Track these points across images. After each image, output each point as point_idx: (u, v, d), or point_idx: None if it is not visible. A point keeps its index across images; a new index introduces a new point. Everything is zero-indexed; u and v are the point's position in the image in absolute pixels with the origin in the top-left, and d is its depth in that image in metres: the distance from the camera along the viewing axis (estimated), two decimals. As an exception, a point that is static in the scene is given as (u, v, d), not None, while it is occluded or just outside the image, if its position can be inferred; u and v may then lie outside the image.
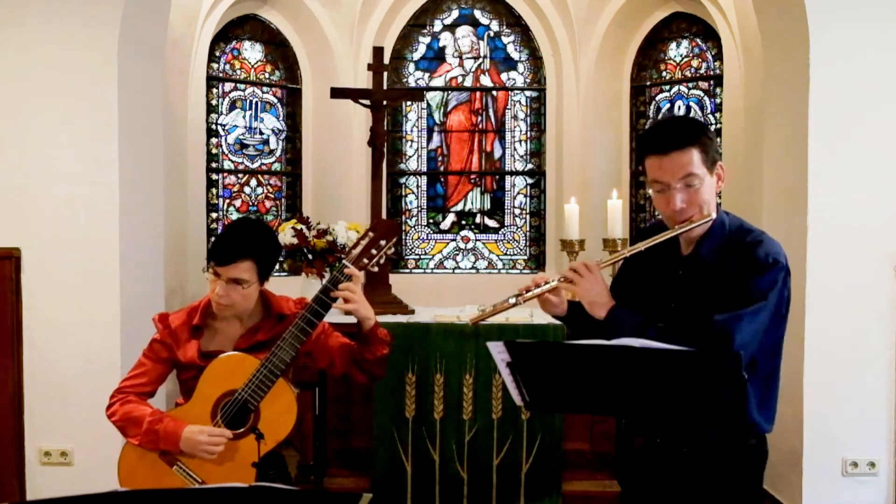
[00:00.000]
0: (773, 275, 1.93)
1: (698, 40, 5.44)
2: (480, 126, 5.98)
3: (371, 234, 2.40)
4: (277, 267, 5.51)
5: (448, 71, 5.98)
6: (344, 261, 2.38)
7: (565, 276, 2.06)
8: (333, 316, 2.43)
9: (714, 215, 1.99)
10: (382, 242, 2.39)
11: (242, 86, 5.60)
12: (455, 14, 5.97)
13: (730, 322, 1.88)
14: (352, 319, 2.44)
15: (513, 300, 2.05)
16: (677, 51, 5.54)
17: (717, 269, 1.98)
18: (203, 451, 2.27)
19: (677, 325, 1.95)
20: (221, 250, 2.33)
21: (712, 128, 5.33)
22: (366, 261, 2.38)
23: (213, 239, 2.42)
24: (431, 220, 5.99)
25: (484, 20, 5.95)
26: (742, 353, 1.86)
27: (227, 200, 5.58)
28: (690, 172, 1.95)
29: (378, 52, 4.59)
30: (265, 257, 2.38)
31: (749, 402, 1.97)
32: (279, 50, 5.73)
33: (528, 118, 5.95)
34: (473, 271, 5.92)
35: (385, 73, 4.62)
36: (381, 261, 2.44)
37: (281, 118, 5.75)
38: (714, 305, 1.93)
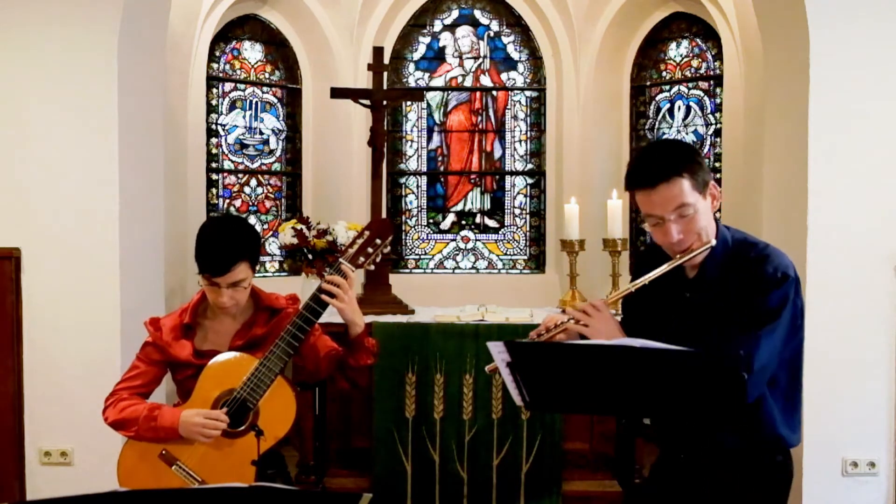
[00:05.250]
0: (783, 290, 1.91)
1: (698, 40, 5.44)
2: (480, 126, 5.98)
3: (367, 232, 2.41)
4: (277, 267, 5.52)
5: (448, 71, 5.98)
6: (340, 259, 2.39)
7: (574, 317, 2.03)
8: (328, 316, 2.43)
9: (713, 242, 1.96)
10: (378, 241, 2.40)
11: (242, 86, 5.60)
12: (455, 14, 5.97)
13: (747, 347, 1.85)
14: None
15: None
16: (677, 51, 5.54)
17: (724, 287, 1.96)
18: (199, 433, 2.27)
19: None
20: (214, 262, 2.31)
21: (712, 128, 5.33)
22: (362, 259, 2.39)
23: (197, 248, 2.37)
24: (431, 220, 5.99)
25: (484, 20, 5.95)
26: (765, 375, 1.87)
27: (227, 200, 5.58)
28: (682, 203, 1.91)
29: (378, 52, 4.59)
30: (254, 251, 2.40)
31: (773, 418, 1.97)
32: (279, 50, 5.73)
33: (528, 118, 5.95)
34: (473, 271, 5.92)
35: (385, 73, 4.62)
36: (378, 259, 2.45)
37: (281, 118, 5.75)
38: (726, 324, 1.90)
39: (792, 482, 2.06)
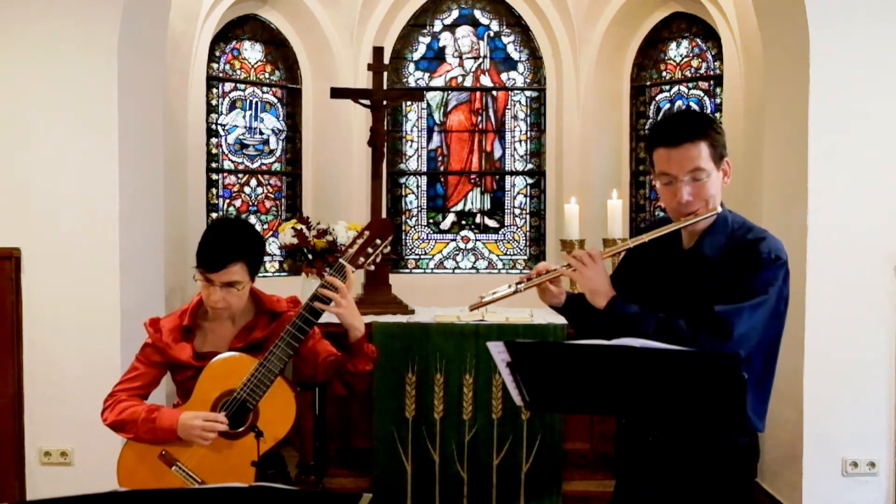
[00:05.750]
0: (774, 271, 1.95)
1: (698, 40, 5.44)
2: (480, 126, 5.98)
3: (367, 232, 2.41)
4: (277, 267, 5.51)
5: (448, 71, 5.98)
6: (340, 259, 2.38)
7: (569, 263, 2.09)
8: (329, 316, 2.43)
9: (720, 209, 2.02)
10: (378, 241, 2.39)
11: (242, 86, 5.60)
12: (455, 14, 5.97)
13: (730, 314, 1.90)
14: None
15: (514, 288, 2.11)
16: (677, 51, 5.54)
17: (718, 265, 2.00)
18: (199, 435, 2.28)
19: (677, 316, 1.96)
20: (210, 257, 2.31)
21: (712, 128, 5.33)
22: (362, 259, 2.39)
23: (199, 243, 2.37)
24: (431, 220, 5.99)
25: (484, 20, 5.95)
26: (741, 348, 1.88)
27: (227, 200, 5.58)
28: (698, 166, 1.97)
29: (378, 52, 4.59)
30: (254, 256, 2.39)
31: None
32: (279, 50, 5.73)
33: (528, 118, 5.95)
34: (473, 271, 5.92)
35: (385, 73, 4.62)
36: (378, 259, 2.45)
37: (281, 118, 5.75)
38: (714, 299, 1.93)
39: (757, 462, 2.07)
